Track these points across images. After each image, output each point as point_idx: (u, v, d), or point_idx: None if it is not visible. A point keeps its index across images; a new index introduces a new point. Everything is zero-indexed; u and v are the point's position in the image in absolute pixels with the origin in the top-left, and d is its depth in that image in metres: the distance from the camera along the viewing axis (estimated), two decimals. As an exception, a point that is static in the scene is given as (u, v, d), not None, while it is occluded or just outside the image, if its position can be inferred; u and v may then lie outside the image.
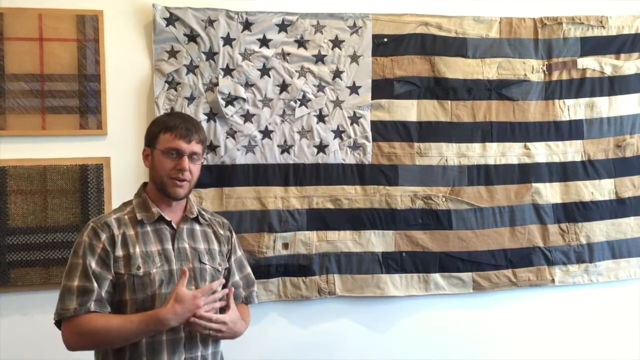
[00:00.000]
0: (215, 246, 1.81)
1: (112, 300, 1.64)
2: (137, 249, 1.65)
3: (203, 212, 1.85)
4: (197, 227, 1.79)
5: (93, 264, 1.60)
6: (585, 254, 2.73)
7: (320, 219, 2.53)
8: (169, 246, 1.69)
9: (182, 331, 1.65)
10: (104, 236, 1.63)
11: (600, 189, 2.75)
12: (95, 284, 1.59)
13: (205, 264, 1.74)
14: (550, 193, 2.71)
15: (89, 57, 2.35)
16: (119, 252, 1.64)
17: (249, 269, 1.94)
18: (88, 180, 2.34)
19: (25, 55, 2.30)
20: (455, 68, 2.64)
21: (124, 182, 2.34)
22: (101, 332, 1.56)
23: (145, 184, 1.79)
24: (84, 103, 2.35)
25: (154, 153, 1.70)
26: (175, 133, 1.67)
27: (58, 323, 1.64)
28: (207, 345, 1.73)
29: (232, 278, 1.86)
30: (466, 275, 2.63)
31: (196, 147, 1.71)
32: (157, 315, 1.55)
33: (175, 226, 1.73)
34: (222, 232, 1.86)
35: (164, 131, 1.69)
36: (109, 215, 1.71)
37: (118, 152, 2.37)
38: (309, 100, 2.52)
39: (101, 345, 1.63)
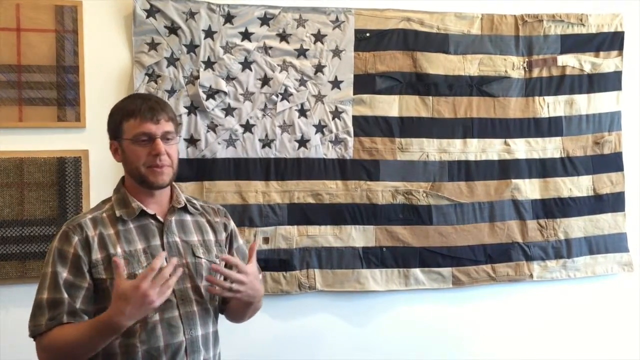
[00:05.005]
0: (211, 236, 1.65)
1: (96, 309, 1.46)
2: (119, 249, 1.49)
3: (194, 201, 1.68)
4: (187, 217, 1.63)
5: (64, 273, 1.44)
6: (563, 250, 2.76)
7: (301, 214, 2.52)
8: (157, 242, 1.53)
9: (184, 334, 1.51)
10: (75, 239, 1.47)
11: (578, 186, 2.78)
12: (66, 295, 1.43)
13: (201, 257, 1.59)
14: (530, 189, 2.73)
15: (67, 48, 2.32)
16: (97, 255, 1.47)
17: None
18: (66, 173, 2.31)
19: (2, 45, 2.27)
20: (437, 64, 2.64)
21: (103, 175, 2.31)
22: (67, 348, 1.42)
23: (124, 178, 1.64)
24: (62, 95, 2.32)
25: (123, 144, 1.53)
26: (139, 116, 1.50)
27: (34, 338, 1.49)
28: (209, 348, 1.58)
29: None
30: (446, 271, 2.65)
31: (167, 126, 1.52)
32: (107, 321, 1.36)
33: (161, 219, 1.57)
34: (217, 219, 1.69)
35: (127, 117, 1.51)
36: (84, 216, 1.54)
37: (96, 145, 2.33)
38: (291, 94, 2.52)
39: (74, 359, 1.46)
